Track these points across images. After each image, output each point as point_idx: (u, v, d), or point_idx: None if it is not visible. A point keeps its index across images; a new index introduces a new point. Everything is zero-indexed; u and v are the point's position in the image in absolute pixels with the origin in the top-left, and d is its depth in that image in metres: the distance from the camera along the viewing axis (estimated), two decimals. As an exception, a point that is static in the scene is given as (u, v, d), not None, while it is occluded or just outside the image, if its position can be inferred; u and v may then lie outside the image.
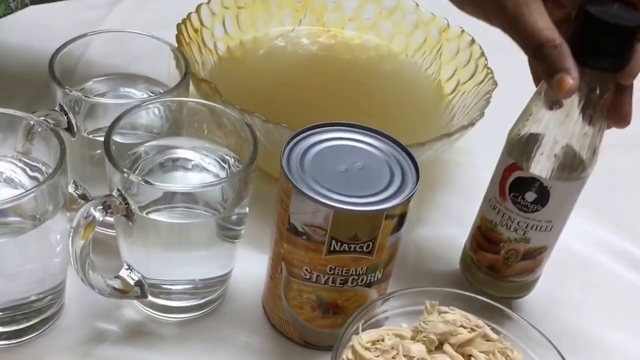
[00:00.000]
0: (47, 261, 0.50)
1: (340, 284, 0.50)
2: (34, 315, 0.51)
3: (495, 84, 0.67)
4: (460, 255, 0.60)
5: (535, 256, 0.55)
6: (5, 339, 0.51)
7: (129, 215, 0.48)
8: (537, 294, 0.58)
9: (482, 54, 0.71)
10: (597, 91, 0.47)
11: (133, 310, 0.55)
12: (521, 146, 0.51)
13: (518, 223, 0.53)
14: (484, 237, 0.56)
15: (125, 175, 0.46)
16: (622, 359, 0.58)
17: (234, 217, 0.52)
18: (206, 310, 0.56)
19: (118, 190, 0.47)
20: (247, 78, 0.72)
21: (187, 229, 0.51)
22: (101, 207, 0.46)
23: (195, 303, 0.55)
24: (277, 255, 0.51)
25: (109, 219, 0.52)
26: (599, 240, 0.67)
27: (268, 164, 0.61)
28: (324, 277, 0.49)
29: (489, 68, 0.69)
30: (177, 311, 0.55)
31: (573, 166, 0.50)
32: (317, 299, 0.51)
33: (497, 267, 0.55)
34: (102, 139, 0.49)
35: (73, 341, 0.52)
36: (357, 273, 0.49)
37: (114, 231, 0.54)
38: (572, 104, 0.48)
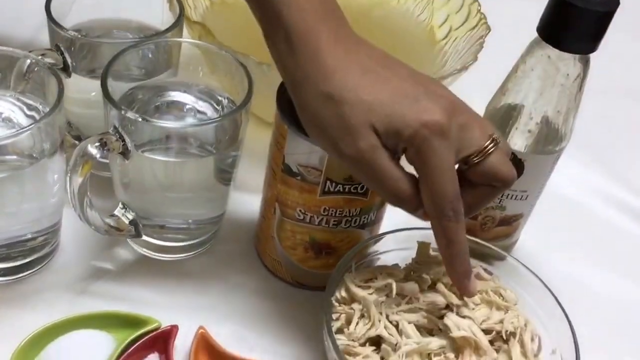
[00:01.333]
0: (44, 201, 0.51)
1: (333, 225, 0.50)
2: (30, 253, 0.52)
3: (489, 29, 0.66)
4: None
5: (511, 222, 0.56)
6: (2, 275, 0.51)
7: (125, 153, 0.48)
8: (528, 239, 0.59)
9: (475, 0, 0.70)
10: (570, 71, 0.48)
11: (127, 250, 0.55)
12: (498, 119, 0.52)
13: None
14: None
15: (123, 112, 0.46)
16: (611, 302, 0.59)
17: (228, 159, 0.52)
18: (199, 250, 0.56)
19: (115, 128, 0.47)
20: (239, 22, 0.71)
21: (181, 168, 0.51)
22: (98, 144, 0.46)
23: (188, 243, 0.55)
24: (270, 196, 0.52)
25: (105, 160, 0.52)
26: (590, 186, 0.68)
27: (261, 109, 0.61)
28: (317, 218, 0.50)
29: (482, 13, 0.69)
30: (170, 251, 0.55)
31: (547, 140, 0.51)
32: (310, 240, 0.52)
33: (474, 231, 0.56)
34: (97, 80, 0.49)
35: (69, 278, 0.53)
36: (351, 214, 0.50)
37: (109, 173, 0.54)
38: (546, 81, 0.48)
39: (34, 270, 0.52)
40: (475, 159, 0.43)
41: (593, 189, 0.68)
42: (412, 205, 0.43)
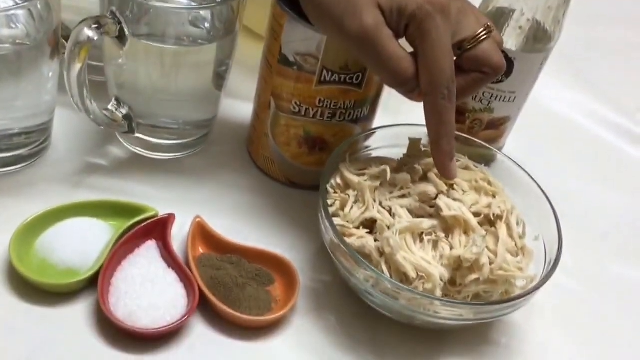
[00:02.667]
0: (38, 98, 0.51)
1: (328, 117, 0.51)
2: (17, 147, 0.52)
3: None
4: None
5: (498, 126, 0.58)
6: (-3, 166, 0.52)
7: (121, 37, 0.48)
8: (513, 148, 0.61)
9: None
10: None
11: (120, 148, 0.56)
12: (489, 19, 0.53)
13: (483, 94, 0.55)
14: None
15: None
16: (591, 206, 0.62)
17: (221, 65, 0.53)
18: (192, 151, 0.57)
19: (112, 12, 0.47)
20: None
21: (176, 60, 0.51)
22: (95, 26, 0.46)
23: (181, 142, 0.56)
24: (265, 92, 0.53)
25: (99, 64, 0.53)
26: (575, 102, 0.71)
27: (255, 22, 0.62)
28: (312, 110, 0.51)
29: None
30: (163, 149, 0.56)
31: (537, 38, 0.52)
32: (304, 134, 0.52)
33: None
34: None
35: (64, 172, 0.53)
36: (345, 107, 0.51)
37: (103, 78, 0.54)
38: None
39: (26, 163, 0.53)
40: (468, 44, 0.45)
41: (577, 105, 0.71)
42: (411, 85, 0.44)
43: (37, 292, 0.45)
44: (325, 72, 0.49)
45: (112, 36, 0.47)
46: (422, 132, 0.54)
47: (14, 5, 0.45)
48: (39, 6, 0.46)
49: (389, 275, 0.45)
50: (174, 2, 0.53)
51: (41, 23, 0.47)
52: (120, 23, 0.47)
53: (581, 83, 0.73)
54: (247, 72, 0.60)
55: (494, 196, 0.49)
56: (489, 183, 0.50)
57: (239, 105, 0.61)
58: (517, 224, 0.49)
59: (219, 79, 0.54)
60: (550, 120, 0.68)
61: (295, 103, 0.51)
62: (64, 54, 0.52)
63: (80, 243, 0.47)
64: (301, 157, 0.54)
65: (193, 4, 0.53)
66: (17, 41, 0.47)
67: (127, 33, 0.47)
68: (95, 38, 0.46)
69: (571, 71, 0.70)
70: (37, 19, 0.46)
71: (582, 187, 0.63)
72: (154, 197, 0.52)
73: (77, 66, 0.46)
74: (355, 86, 0.50)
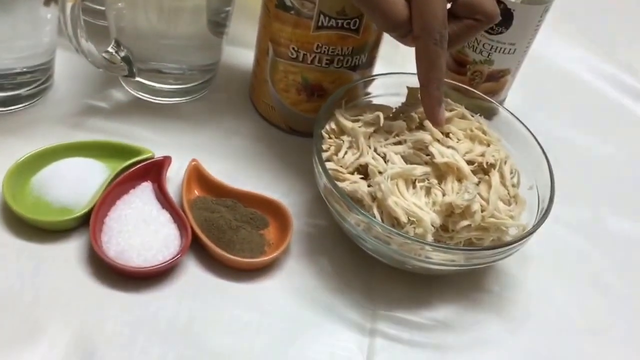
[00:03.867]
0: (36, 39, 0.51)
1: (326, 64, 0.51)
2: (19, 86, 0.52)
3: None
4: None
5: (498, 78, 0.57)
6: (-1, 104, 0.52)
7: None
8: (514, 101, 0.61)
9: None
10: None
11: (121, 92, 0.56)
12: None
13: (483, 45, 0.55)
14: (453, 59, 0.58)
15: None
16: (589, 159, 0.61)
17: (221, 13, 0.53)
18: (193, 96, 0.57)
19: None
20: None
21: (174, 6, 0.51)
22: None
23: (182, 87, 0.56)
24: (264, 37, 0.52)
25: (101, 7, 0.52)
26: (579, 57, 0.70)
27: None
28: (310, 56, 0.50)
29: None
30: (164, 94, 0.56)
31: None
32: (302, 81, 0.52)
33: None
34: None
35: (63, 113, 0.54)
36: (343, 53, 0.51)
37: (105, 22, 0.54)
38: None
39: (28, 103, 0.53)
40: None
41: (579, 60, 0.70)
42: (404, 29, 0.44)
43: (31, 229, 0.46)
44: (322, 17, 0.48)
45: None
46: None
47: None
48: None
49: (380, 220, 0.45)
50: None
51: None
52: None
53: (584, 37, 0.72)
54: (252, 19, 0.60)
55: (488, 145, 0.49)
56: (484, 132, 0.50)
57: (242, 52, 0.61)
58: (511, 173, 0.49)
59: (219, 25, 0.54)
60: (552, 75, 0.67)
61: (293, 49, 0.51)
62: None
63: (76, 182, 0.48)
64: (300, 104, 0.54)
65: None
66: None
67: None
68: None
69: (574, 25, 0.70)
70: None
71: (582, 140, 0.63)
72: (152, 140, 0.53)
73: (71, 3, 0.46)
74: (352, 32, 0.49)
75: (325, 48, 0.50)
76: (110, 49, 0.52)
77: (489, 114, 0.54)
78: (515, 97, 0.61)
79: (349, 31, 0.49)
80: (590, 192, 0.58)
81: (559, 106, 0.65)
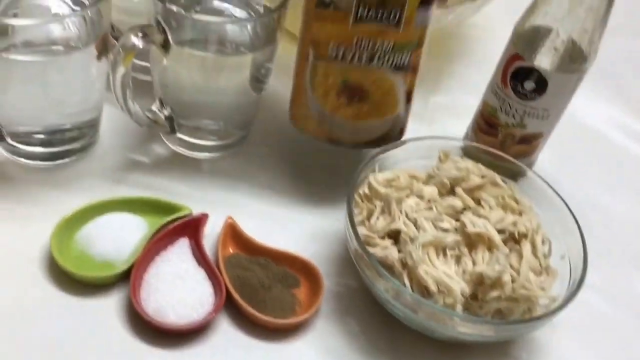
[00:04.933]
0: (86, 94, 0.53)
1: (366, 61, 0.50)
2: (69, 142, 0.54)
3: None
4: (463, 136, 0.62)
5: (530, 141, 0.58)
6: (45, 159, 0.54)
7: (165, 46, 0.50)
8: (545, 161, 0.61)
9: None
10: None
11: (162, 147, 0.58)
12: (525, 38, 0.53)
13: (516, 110, 0.56)
14: (484, 121, 0.58)
15: (167, 4, 0.48)
16: (623, 222, 0.61)
17: (261, 69, 0.54)
18: (230, 151, 0.59)
19: (157, 21, 0.49)
20: None
21: (217, 66, 0.53)
22: (141, 34, 0.48)
23: (220, 143, 0.58)
24: (304, 41, 0.52)
25: (146, 64, 0.55)
26: (609, 117, 0.70)
27: (296, 25, 0.63)
28: (350, 52, 0.50)
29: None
30: (203, 149, 0.58)
31: (572, 59, 0.52)
32: (342, 83, 0.52)
33: (494, 149, 0.57)
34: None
35: (107, 168, 0.56)
36: (384, 49, 0.50)
37: (149, 77, 0.56)
38: (575, 1, 0.50)
39: (73, 157, 0.55)
40: None
41: (613, 120, 0.70)
42: None
43: (74, 282, 0.48)
44: (361, 8, 0.48)
45: (157, 44, 0.49)
46: (452, 146, 0.55)
47: (70, 13, 0.47)
48: (89, 13, 0.48)
49: (410, 288, 0.46)
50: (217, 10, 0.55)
51: (92, 27, 0.49)
52: (165, 32, 0.49)
53: (617, 97, 0.72)
54: (288, 75, 0.61)
55: (520, 214, 0.50)
56: (516, 201, 0.50)
57: (277, 106, 0.62)
58: (543, 242, 0.49)
59: (259, 82, 0.56)
60: (584, 134, 0.67)
61: (333, 46, 0.50)
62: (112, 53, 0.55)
63: (118, 238, 0.50)
64: (340, 109, 0.53)
65: (235, 13, 0.55)
66: (70, 43, 0.50)
67: (171, 42, 0.49)
68: (141, 46, 0.48)
69: (607, 84, 0.69)
70: (88, 23, 0.49)
71: (615, 202, 0.62)
72: (190, 196, 0.54)
73: (122, 70, 0.49)
74: (393, 25, 0.49)
75: (365, 43, 0.50)
76: (154, 108, 0.54)
77: (519, 175, 0.54)
78: (546, 156, 0.61)
79: (389, 24, 0.49)
80: (623, 257, 0.58)
81: (590, 167, 0.65)
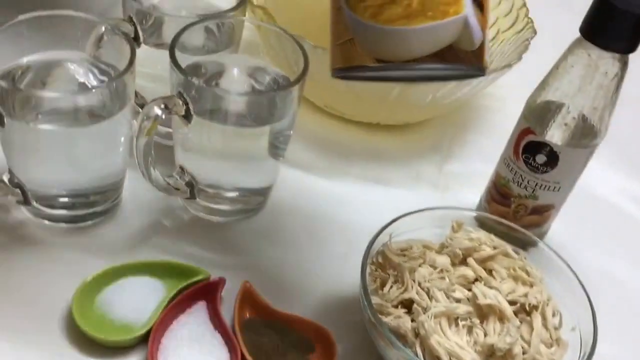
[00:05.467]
0: (110, 159, 0.55)
1: None
2: (92, 205, 0.56)
3: (535, 32, 0.70)
4: (476, 206, 0.64)
5: (542, 212, 0.59)
6: (68, 221, 0.56)
7: (187, 116, 0.52)
8: (558, 231, 0.62)
9: (524, 5, 0.74)
10: (609, 70, 0.51)
11: (182, 210, 0.60)
12: (537, 113, 0.55)
13: (528, 182, 0.57)
14: (497, 191, 0.60)
15: (188, 78, 0.50)
16: (636, 293, 0.62)
17: (280, 136, 0.56)
18: (249, 215, 0.60)
19: (179, 92, 0.51)
20: (298, 8, 0.74)
21: (237, 137, 0.55)
22: (163, 105, 0.50)
23: (238, 208, 0.60)
24: None
25: (168, 129, 0.57)
26: (622, 187, 0.71)
27: (314, 93, 0.65)
28: None
29: (529, 18, 0.72)
30: (222, 214, 0.59)
31: (583, 134, 0.54)
32: None
33: (506, 219, 0.58)
34: (164, 51, 0.53)
35: (128, 230, 0.57)
36: None
37: (171, 142, 0.58)
38: (586, 78, 0.51)
39: (95, 220, 0.57)
40: None
41: (624, 190, 0.71)
42: None
43: (94, 344, 0.49)
44: None
45: (179, 115, 0.51)
46: (465, 216, 0.56)
47: (97, 85, 0.49)
48: (114, 84, 0.51)
49: (422, 358, 0.46)
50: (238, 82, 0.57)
51: (117, 96, 0.51)
52: (187, 104, 0.51)
53: (629, 167, 0.73)
54: (307, 142, 0.64)
55: (531, 286, 0.50)
56: (527, 272, 0.51)
57: (296, 174, 0.64)
58: (553, 315, 0.50)
59: (278, 149, 0.58)
60: (596, 204, 0.68)
61: None
62: (135, 119, 0.57)
63: (137, 301, 0.51)
64: (383, 11, 0.41)
65: (255, 84, 0.57)
66: (95, 112, 0.52)
67: (192, 113, 0.51)
68: (164, 117, 0.50)
69: (619, 155, 0.70)
70: (114, 93, 0.51)
71: (626, 273, 0.63)
72: (208, 259, 0.56)
73: (145, 139, 0.51)
74: None
75: None
76: (175, 174, 0.56)
77: (530, 245, 0.55)
78: (558, 225, 0.62)
79: None
80: (634, 328, 0.59)
81: (601, 237, 0.66)
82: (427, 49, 0.41)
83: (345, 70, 0.43)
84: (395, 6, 0.41)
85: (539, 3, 0.73)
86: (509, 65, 0.64)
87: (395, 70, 0.42)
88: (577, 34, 0.52)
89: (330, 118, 0.70)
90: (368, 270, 0.51)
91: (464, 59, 0.42)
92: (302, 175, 0.64)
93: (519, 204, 0.59)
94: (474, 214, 0.57)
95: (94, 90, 0.52)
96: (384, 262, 0.52)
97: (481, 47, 0.42)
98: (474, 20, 0.41)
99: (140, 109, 0.62)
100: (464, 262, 0.52)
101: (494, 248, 0.53)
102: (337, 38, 0.43)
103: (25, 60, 0.53)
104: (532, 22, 0.72)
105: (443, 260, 0.52)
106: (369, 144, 0.70)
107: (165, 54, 0.53)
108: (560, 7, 0.85)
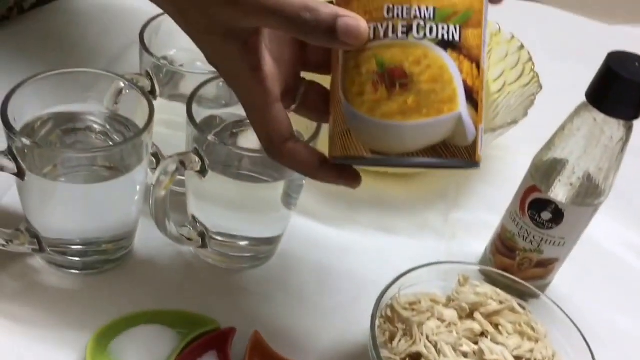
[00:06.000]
0: (125, 211, 0.57)
1: (403, 32, 0.42)
2: (104, 253, 0.57)
3: (540, 87, 0.71)
4: (481, 257, 0.65)
5: (546, 265, 0.60)
6: (81, 269, 0.57)
7: (202, 171, 0.53)
8: (561, 282, 0.63)
9: (530, 59, 0.75)
10: (614, 134, 0.52)
11: (194, 257, 0.61)
12: (543, 171, 0.57)
13: (534, 236, 0.58)
14: (503, 244, 0.61)
15: (205, 135, 0.52)
16: (638, 347, 0.62)
17: (294, 186, 0.58)
18: (259, 263, 0.62)
19: (195, 149, 0.53)
20: None
21: (251, 191, 0.56)
22: (180, 162, 0.52)
23: (250, 255, 0.61)
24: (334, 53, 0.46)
25: (182, 177, 0.58)
26: (626, 240, 0.72)
27: (323, 142, 0.66)
28: (382, 27, 0.42)
29: (535, 72, 0.74)
30: (233, 261, 0.61)
31: (588, 194, 0.56)
32: (378, 68, 0.43)
33: (511, 271, 0.59)
34: (177, 104, 0.55)
35: (139, 278, 0.58)
36: (422, 15, 0.42)
37: (183, 189, 0.60)
38: (591, 141, 0.53)
39: (107, 267, 0.58)
40: None
41: (628, 243, 0.72)
42: None
43: (106, 394, 0.50)
44: None
45: (195, 170, 0.53)
46: (471, 270, 0.57)
47: (118, 142, 0.52)
48: (135, 142, 0.52)
49: (429, 411, 0.47)
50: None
51: (135, 152, 0.53)
52: (202, 160, 0.52)
53: (633, 220, 0.74)
54: (317, 190, 0.65)
55: (536, 341, 0.51)
56: (533, 328, 0.52)
57: (306, 222, 0.65)
58: (558, 370, 0.51)
59: (291, 198, 0.59)
60: (600, 256, 0.69)
61: None
62: (152, 169, 0.59)
63: (149, 350, 0.52)
64: (380, 107, 0.43)
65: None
66: (113, 167, 0.53)
67: (207, 168, 0.53)
68: (179, 173, 0.52)
69: (624, 207, 0.72)
70: (131, 148, 0.53)
71: (630, 325, 0.64)
72: (219, 307, 0.57)
73: (162, 193, 0.52)
74: None
75: (398, 10, 0.42)
76: (187, 225, 0.57)
77: (532, 297, 0.57)
78: (560, 276, 0.63)
79: None
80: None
81: (605, 289, 0.67)
82: (421, 144, 0.43)
83: (343, 159, 0.45)
84: (391, 102, 0.43)
85: (543, 58, 0.75)
86: (515, 122, 0.65)
87: (390, 162, 0.44)
88: (581, 89, 0.53)
89: (338, 165, 0.71)
90: (377, 323, 0.52)
91: (457, 154, 0.43)
92: (309, 223, 0.65)
93: (524, 257, 0.60)
94: (478, 267, 0.59)
95: (113, 147, 0.54)
96: (392, 316, 0.53)
97: (475, 142, 0.44)
98: (467, 118, 0.43)
99: (152, 158, 0.64)
100: (470, 315, 0.53)
101: (500, 302, 0.54)
102: (335, 127, 0.45)
103: (44, 112, 0.55)
104: (537, 76, 0.73)
105: (450, 313, 0.53)
106: (375, 192, 0.71)
107: (179, 104, 0.54)
108: (565, 62, 0.87)
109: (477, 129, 0.44)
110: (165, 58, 0.62)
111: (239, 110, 0.60)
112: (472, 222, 0.70)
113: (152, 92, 0.60)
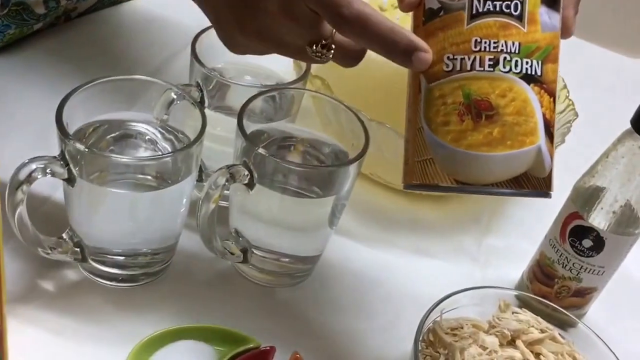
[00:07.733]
0: (170, 222, 0.56)
1: (489, 66, 0.44)
2: (144, 266, 0.57)
3: (576, 114, 0.71)
4: (517, 282, 0.65)
5: (584, 294, 0.60)
6: (120, 281, 0.57)
7: (250, 184, 0.53)
8: (597, 313, 0.63)
9: (565, 87, 0.75)
10: None
11: (234, 273, 0.61)
12: (585, 198, 0.57)
13: (573, 264, 0.58)
14: (541, 270, 0.61)
15: (255, 148, 0.52)
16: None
17: (336, 206, 0.57)
18: (299, 281, 0.61)
19: (245, 161, 0.53)
20: (354, 80, 0.76)
21: (296, 206, 0.56)
22: (229, 175, 0.52)
23: (290, 273, 0.60)
24: (414, 74, 0.47)
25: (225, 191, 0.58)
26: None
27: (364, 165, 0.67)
28: (469, 59, 0.44)
29: (570, 100, 0.74)
30: (272, 279, 0.60)
31: (629, 223, 0.56)
32: (464, 98, 0.44)
33: (549, 299, 0.59)
34: (224, 116, 0.55)
35: (178, 292, 0.58)
36: (509, 50, 0.44)
37: (225, 202, 0.59)
38: (635, 169, 0.53)
39: (147, 280, 0.58)
40: None
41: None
42: None
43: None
44: (476, 1, 0.44)
45: (242, 183, 0.53)
46: (508, 295, 0.57)
47: (170, 152, 0.52)
48: (185, 152, 0.52)
49: None
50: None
51: (185, 163, 0.53)
52: (251, 173, 0.52)
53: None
54: (357, 211, 0.65)
55: (579, 372, 0.51)
56: (574, 358, 0.52)
57: (345, 243, 0.65)
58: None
59: (334, 217, 0.59)
60: (635, 287, 0.69)
61: (448, 58, 0.44)
62: (199, 180, 0.58)
63: (189, 365, 0.52)
64: (465, 137, 0.44)
65: (319, 155, 0.59)
66: (162, 177, 0.53)
67: (255, 182, 0.53)
68: (228, 186, 0.52)
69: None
70: (181, 160, 0.52)
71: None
72: (259, 325, 0.56)
73: (211, 207, 0.52)
74: (515, 18, 0.44)
75: (486, 43, 0.44)
76: (229, 240, 0.57)
77: (569, 326, 0.56)
78: (598, 305, 0.63)
79: (510, 17, 0.44)
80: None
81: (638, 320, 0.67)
82: (504, 175, 0.45)
83: (421, 186, 0.46)
84: (477, 133, 0.44)
85: (575, 87, 0.75)
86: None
87: (470, 191, 0.46)
88: (616, 117, 0.53)
89: (375, 186, 0.71)
90: (419, 347, 0.52)
91: (536, 185, 0.45)
92: (345, 242, 0.64)
93: (563, 285, 0.60)
94: (516, 293, 0.59)
95: (165, 156, 0.53)
96: (434, 340, 0.53)
97: (550, 173, 0.46)
98: (545, 150, 0.45)
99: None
100: (511, 343, 0.53)
101: (542, 331, 0.54)
102: (416, 155, 0.46)
103: (95, 119, 0.55)
104: (572, 103, 0.73)
105: (492, 340, 0.52)
106: (411, 214, 0.71)
107: (225, 117, 0.54)
108: (595, 92, 0.87)
109: (552, 160, 0.46)
110: (214, 70, 0.62)
111: (283, 126, 0.61)
112: (505, 248, 0.70)
113: (202, 103, 0.60)
